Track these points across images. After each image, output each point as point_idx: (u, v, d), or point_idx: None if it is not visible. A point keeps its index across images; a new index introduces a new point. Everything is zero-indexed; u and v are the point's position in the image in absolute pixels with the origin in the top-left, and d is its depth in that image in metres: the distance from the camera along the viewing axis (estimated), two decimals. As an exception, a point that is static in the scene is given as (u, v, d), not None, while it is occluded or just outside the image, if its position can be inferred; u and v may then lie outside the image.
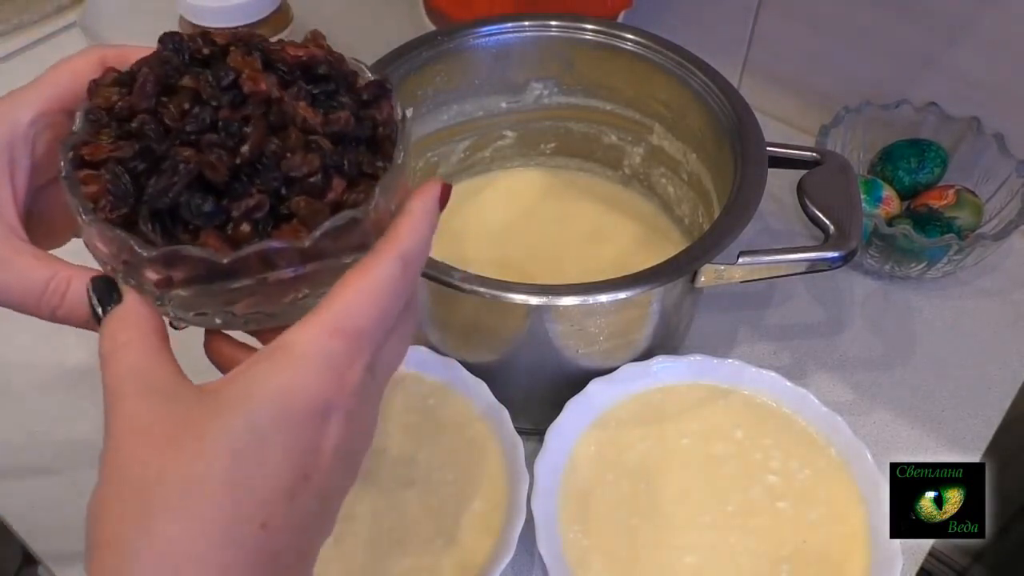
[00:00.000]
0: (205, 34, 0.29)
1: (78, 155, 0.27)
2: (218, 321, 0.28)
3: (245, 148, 0.25)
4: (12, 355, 0.56)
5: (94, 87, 0.28)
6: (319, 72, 0.28)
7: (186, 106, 0.27)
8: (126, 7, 0.80)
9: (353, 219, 0.26)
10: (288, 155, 0.26)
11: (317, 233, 0.25)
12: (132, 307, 0.27)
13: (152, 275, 0.26)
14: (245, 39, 0.29)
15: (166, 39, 0.28)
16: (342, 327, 0.25)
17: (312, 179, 0.26)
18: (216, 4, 0.65)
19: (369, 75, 0.30)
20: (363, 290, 0.25)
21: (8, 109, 0.29)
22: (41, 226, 0.30)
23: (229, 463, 0.23)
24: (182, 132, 0.26)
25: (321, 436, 0.24)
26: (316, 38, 0.30)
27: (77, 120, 0.28)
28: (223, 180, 0.25)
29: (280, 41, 0.29)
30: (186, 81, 0.27)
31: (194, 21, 0.67)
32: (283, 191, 0.26)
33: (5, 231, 0.28)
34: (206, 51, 0.28)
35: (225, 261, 0.25)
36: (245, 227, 0.25)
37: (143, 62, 0.28)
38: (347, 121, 0.27)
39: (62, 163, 0.27)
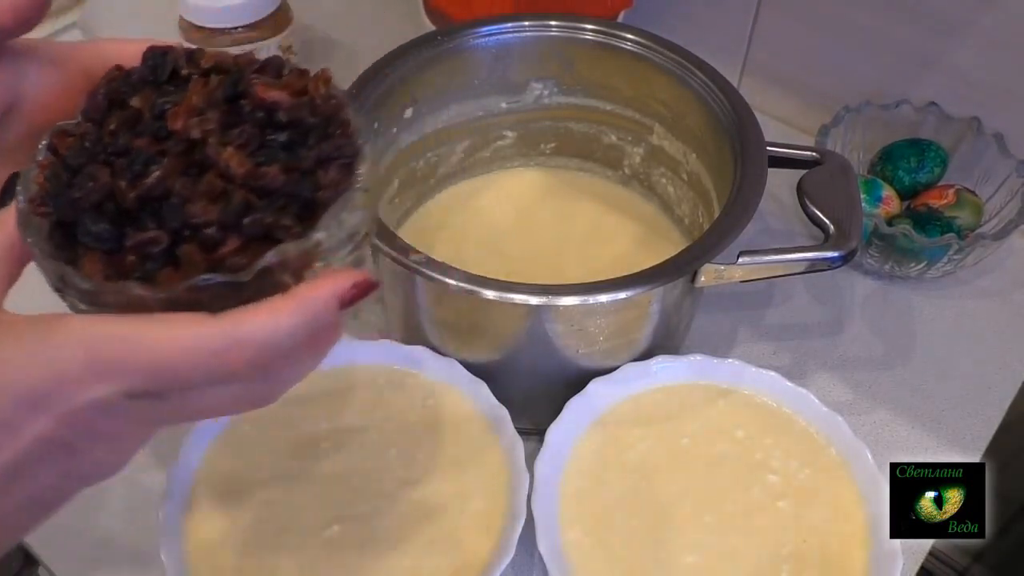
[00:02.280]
0: (195, 52, 0.28)
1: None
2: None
3: (147, 181, 0.25)
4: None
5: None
6: (278, 119, 0.27)
7: (113, 126, 0.26)
8: (126, 8, 0.80)
9: (223, 283, 0.24)
10: (194, 199, 0.25)
11: (176, 289, 0.24)
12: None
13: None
14: (227, 67, 0.28)
15: (148, 54, 0.28)
16: (102, 352, 0.24)
17: (208, 230, 0.25)
18: (216, 4, 0.65)
19: (355, 131, 0.28)
20: (164, 341, 0.24)
21: None
22: None
23: None
24: (105, 151, 0.26)
25: (23, 419, 0.24)
26: (306, 78, 0.28)
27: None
28: (132, 208, 0.25)
29: (284, 70, 0.28)
30: (135, 102, 0.27)
31: (194, 22, 0.67)
32: (186, 234, 0.25)
33: None
34: (184, 72, 0.27)
35: (84, 287, 0.24)
36: (131, 258, 0.25)
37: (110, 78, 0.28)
38: (274, 177, 0.25)
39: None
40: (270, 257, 0.24)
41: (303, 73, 0.29)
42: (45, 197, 0.25)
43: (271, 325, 0.24)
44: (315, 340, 0.26)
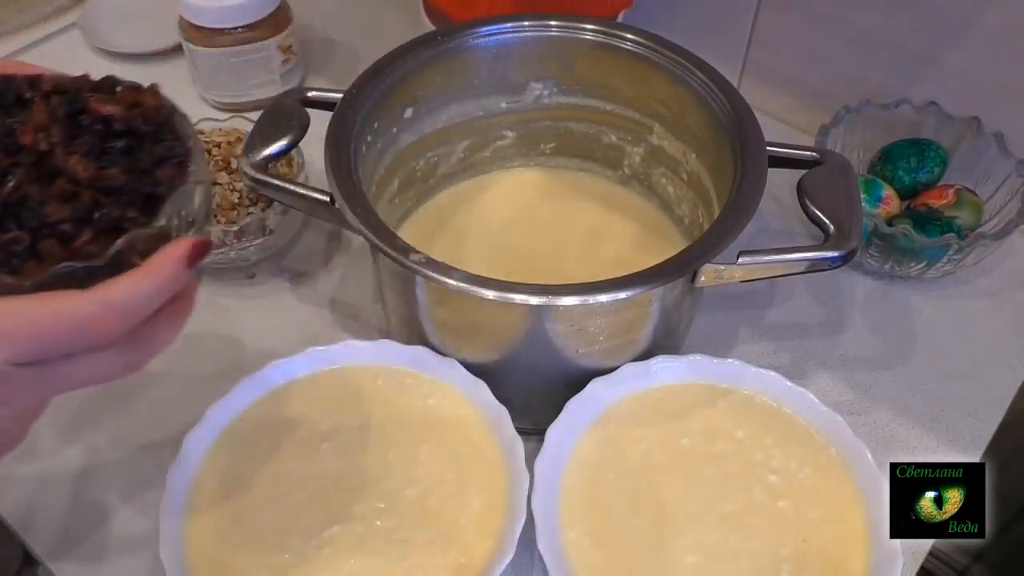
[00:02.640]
0: (35, 79, 0.33)
1: None
2: None
3: (4, 189, 0.29)
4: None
5: None
6: (115, 129, 0.31)
7: None
8: (126, 7, 0.80)
9: (78, 267, 0.28)
10: (48, 201, 0.29)
11: (42, 276, 0.28)
12: None
13: None
14: (66, 88, 0.33)
15: None
16: None
17: (63, 226, 0.29)
18: (216, 4, 0.66)
19: (184, 135, 0.33)
20: (41, 309, 0.27)
21: None
22: None
23: None
24: None
25: None
26: (137, 93, 0.33)
27: None
28: None
29: (118, 87, 0.33)
30: None
31: (194, 22, 0.67)
32: (45, 232, 0.29)
33: None
34: (27, 95, 0.32)
35: None
36: None
37: None
38: (115, 177, 0.30)
39: None
40: (120, 243, 0.29)
41: (136, 88, 0.34)
42: None
43: (131, 287, 0.29)
44: (175, 302, 0.31)
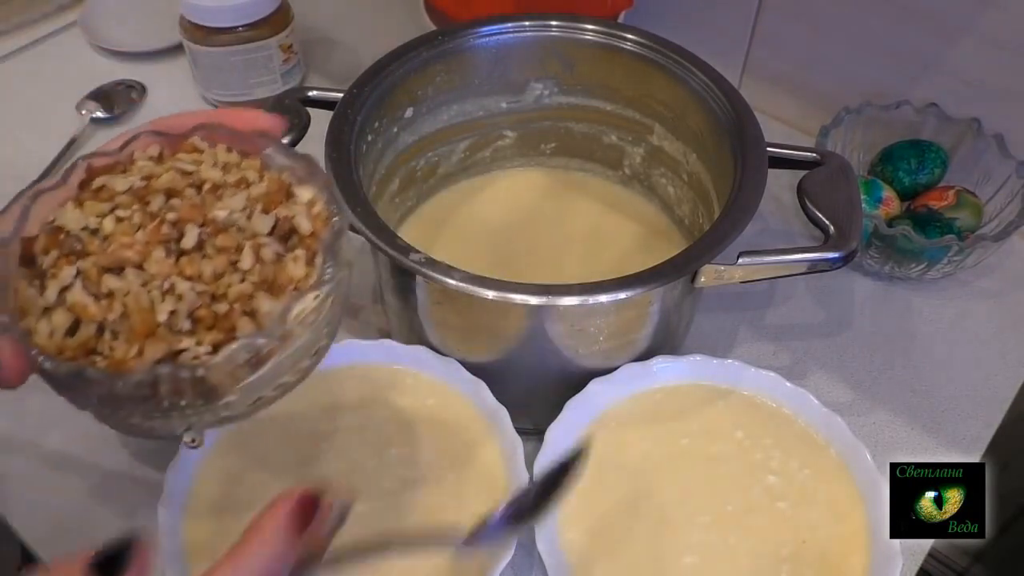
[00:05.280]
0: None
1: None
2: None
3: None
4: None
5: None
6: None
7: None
8: (126, 7, 0.80)
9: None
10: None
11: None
12: None
13: None
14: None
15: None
16: None
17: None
18: (216, 4, 0.66)
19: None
20: None
21: None
22: None
23: None
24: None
25: None
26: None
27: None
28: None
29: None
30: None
31: (194, 21, 0.67)
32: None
33: None
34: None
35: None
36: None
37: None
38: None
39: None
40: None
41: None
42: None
43: (261, 554, 0.27)
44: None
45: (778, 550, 0.43)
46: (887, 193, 0.60)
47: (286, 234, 0.31)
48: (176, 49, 0.74)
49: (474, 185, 0.62)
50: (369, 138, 0.51)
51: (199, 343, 0.28)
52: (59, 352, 0.28)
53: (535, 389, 0.50)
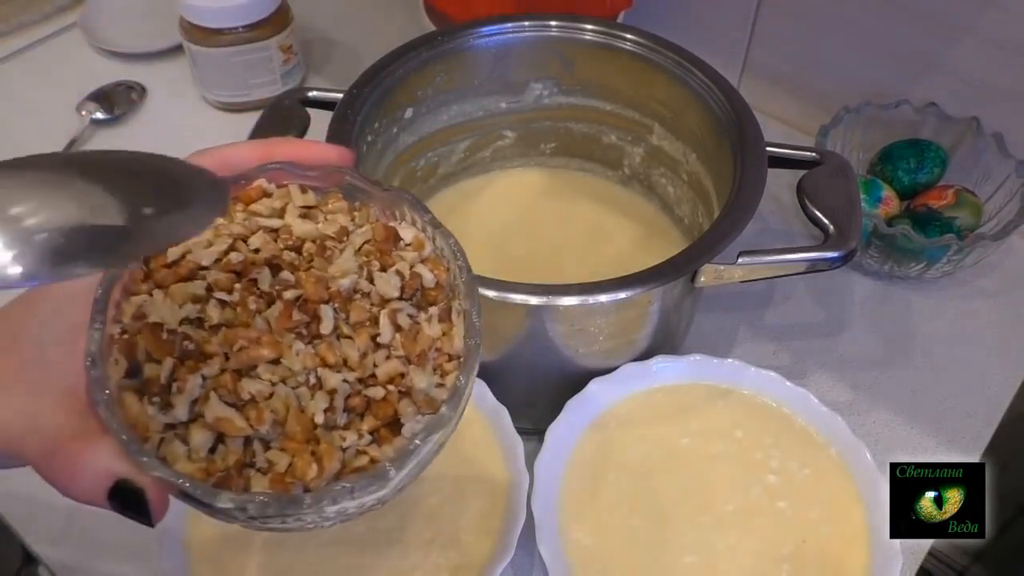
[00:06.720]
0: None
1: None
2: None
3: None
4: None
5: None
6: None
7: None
8: (126, 7, 0.80)
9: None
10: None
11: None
12: None
13: None
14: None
15: None
16: None
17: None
18: (216, 4, 0.66)
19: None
20: None
21: None
22: None
23: None
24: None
25: None
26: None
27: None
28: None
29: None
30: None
31: (194, 21, 0.67)
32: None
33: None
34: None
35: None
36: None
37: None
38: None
39: None
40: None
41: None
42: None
43: None
44: None
45: (778, 549, 0.43)
46: (887, 192, 0.60)
47: (414, 292, 0.27)
48: (176, 50, 0.74)
49: (474, 185, 0.62)
50: (369, 138, 0.51)
51: (359, 435, 0.25)
52: (207, 474, 0.25)
53: (535, 389, 0.50)
